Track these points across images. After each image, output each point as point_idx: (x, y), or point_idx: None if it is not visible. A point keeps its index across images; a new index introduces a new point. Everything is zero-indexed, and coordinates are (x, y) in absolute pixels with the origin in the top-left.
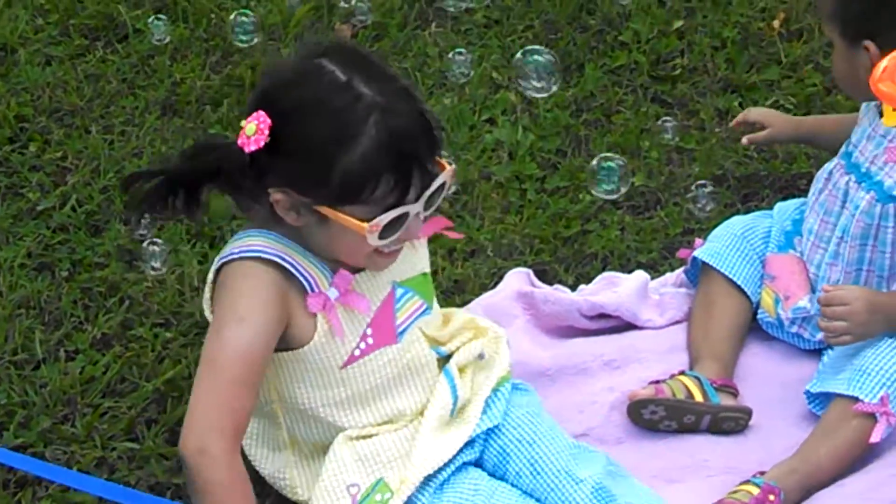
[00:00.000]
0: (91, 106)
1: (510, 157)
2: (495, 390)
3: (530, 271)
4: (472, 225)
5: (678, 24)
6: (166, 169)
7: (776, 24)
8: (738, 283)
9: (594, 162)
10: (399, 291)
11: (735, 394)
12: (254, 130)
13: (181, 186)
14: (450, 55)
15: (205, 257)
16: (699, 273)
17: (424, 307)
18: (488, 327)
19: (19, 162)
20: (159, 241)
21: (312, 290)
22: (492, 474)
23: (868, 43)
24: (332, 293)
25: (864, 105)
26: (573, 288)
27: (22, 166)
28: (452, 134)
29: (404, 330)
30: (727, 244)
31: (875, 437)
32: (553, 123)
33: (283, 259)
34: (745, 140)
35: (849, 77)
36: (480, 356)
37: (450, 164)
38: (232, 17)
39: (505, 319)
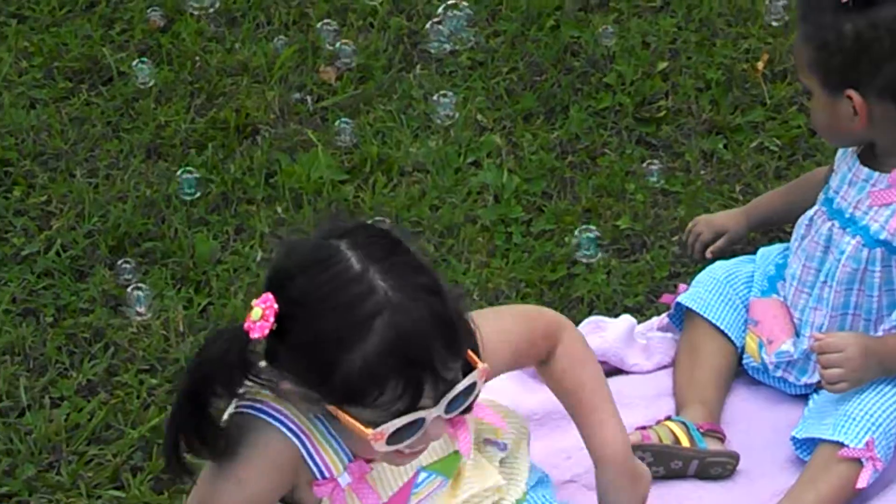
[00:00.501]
0: (75, 149)
1: (496, 199)
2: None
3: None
4: (458, 269)
5: (662, 65)
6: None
7: (760, 65)
8: (722, 328)
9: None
10: (422, 476)
11: (722, 438)
12: (259, 315)
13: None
14: (434, 97)
15: (190, 302)
16: (683, 318)
17: (444, 483)
18: (517, 420)
19: (3, 206)
20: (144, 286)
21: (323, 476)
22: None
23: (851, 92)
24: (344, 480)
25: (840, 151)
26: None
27: (6, 210)
28: (437, 177)
29: None
30: (710, 289)
31: (861, 483)
32: (538, 166)
33: (301, 441)
34: (708, 254)
35: (829, 125)
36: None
37: (481, 362)
38: (178, 172)
39: None
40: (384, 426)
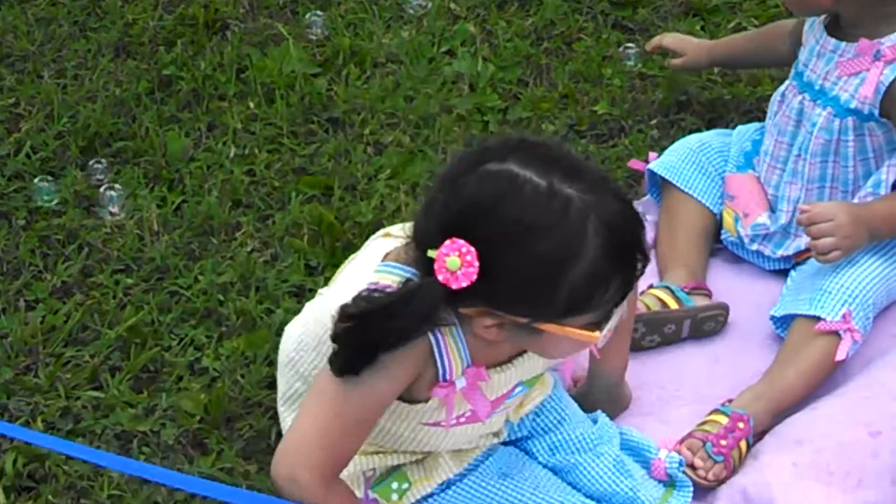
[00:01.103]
0: (42, 50)
1: (471, 88)
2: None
3: None
4: (434, 159)
5: None
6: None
7: None
8: (695, 195)
9: None
10: (518, 388)
11: (709, 294)
12: (458, 265)
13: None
14: None
15: (163, 200)
16: (659, 189)
17: (524, 391)
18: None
19: None
20: (117, 185)
21: (445, 378)
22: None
23: None
24: (461, 382)
25: (807, 23)
26: None
27: None
28: (411, 67)
29: (496, 412)
30: (683, 158)
31: (840, 355)
32: (513, 53)
33: (436, 337)
34: (666, 63)
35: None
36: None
37: None
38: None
39: None
40: (610, 324)
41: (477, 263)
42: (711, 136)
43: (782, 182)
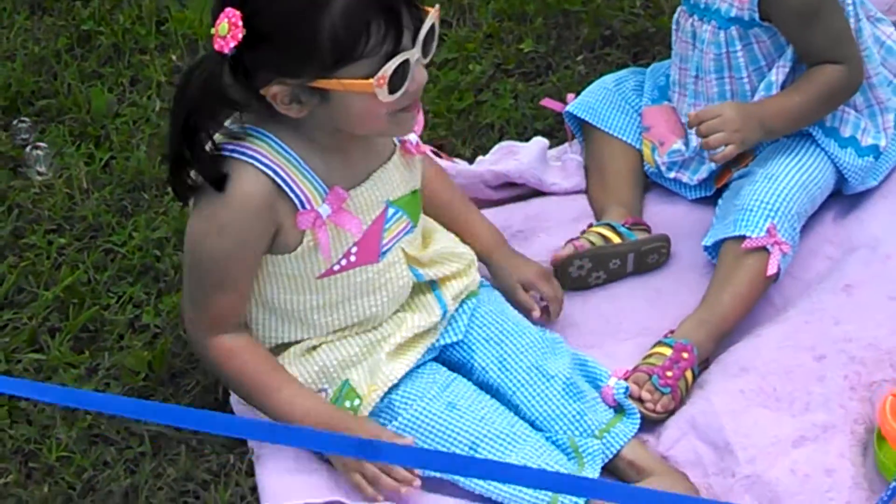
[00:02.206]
0: None
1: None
2: (462, 302)
3: (428, 147)
4: None
5: None
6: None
7: None
8: (616, 134)
9: None
10: (390, 211)
11: (648, 229)
12: (227, 28)
13: (189, 139)
14: None
15: (91, 157)
16: (580, 130)
17: (410, 226)
18: (461, 253)
19: None
20: (43, 144)
21: (304, 207)
22: (455, 368)
23: None
24: (324, 210)
25: None
26: (471, 160)
27: None
28: None
29: (387, 250)
30: (600, 98)
31: (772, 269)
32: None
33: (277, 174)
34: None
35: None
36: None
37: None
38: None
39: None
40: (384, 68)
41: (241, 24)
42: (627, 74)
43: (689, 106)
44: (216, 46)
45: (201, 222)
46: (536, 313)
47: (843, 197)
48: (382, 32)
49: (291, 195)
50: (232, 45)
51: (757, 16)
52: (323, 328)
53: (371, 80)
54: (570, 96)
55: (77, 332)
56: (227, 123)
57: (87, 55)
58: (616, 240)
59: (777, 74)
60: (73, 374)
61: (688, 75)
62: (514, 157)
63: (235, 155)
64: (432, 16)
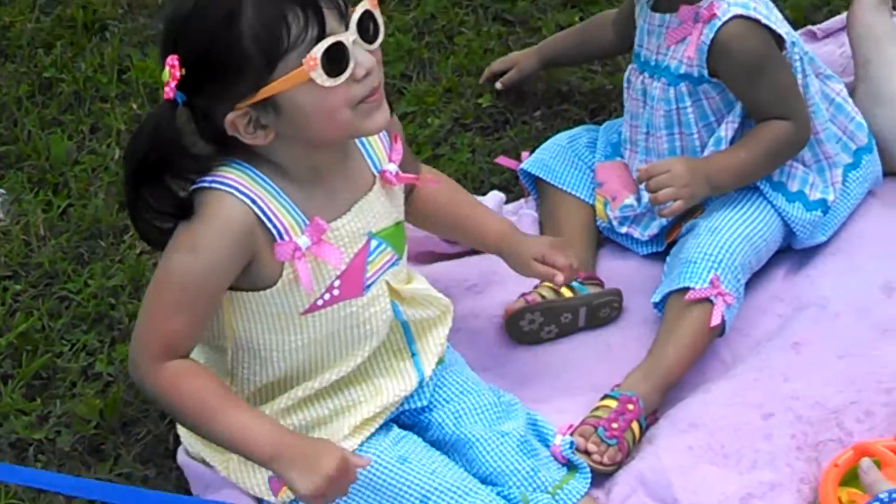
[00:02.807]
0: None
1: None
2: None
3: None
4: None
5: None
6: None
7: None
8: (570, 190)
9: None
10: (374, 243)
11: (601, 284)
12: (167, 74)
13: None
14: None
15: (49, 205)
16: (535, 187)
17: (395, 259)
18: (439, 298)
19: None
20: (1, 190)
21: (282, 238)
22: (409, 427)
23: None
24: (304, 241)
25: (637, 7)
26: None
27: None
28: None
29: (372, 283)
30: (554, 155)
31: (715, 320)
32: (396, 48)
33: (255, 202)
34: (498, 85)
35: None
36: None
37: None
38: None
39: None
40: (311, 51)
41: (178, 64)
42: (580, 132)
43: (640, 162)
44: (165, 96)
45: (176, 242)
46: (559, 278)
47: (793, 254)
48: (302, 20)
49: (270, 225)
50: (173, 85)
51: (706, 72)
52: (305, 368)
53: (303, 66)
54: (524, 154)
55: (29, 380)
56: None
57: (48, 102)
58: (568, 294)
59: (726, 130)
60: (25, 420)
61: (639, 132)
62: None
63: (215, 185)
64: (365, 3)
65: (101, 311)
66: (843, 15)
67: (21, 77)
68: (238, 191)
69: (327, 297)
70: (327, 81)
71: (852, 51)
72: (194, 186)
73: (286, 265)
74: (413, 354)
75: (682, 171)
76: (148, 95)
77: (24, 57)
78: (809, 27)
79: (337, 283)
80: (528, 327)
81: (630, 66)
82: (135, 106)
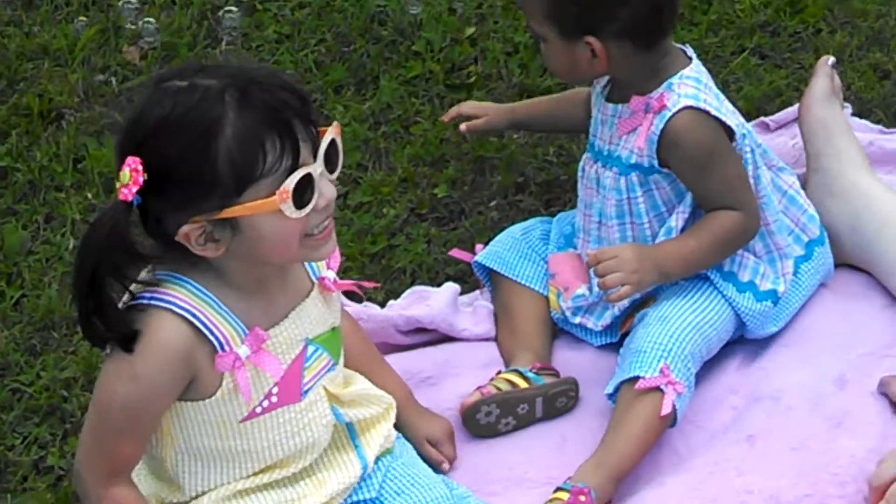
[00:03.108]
0: None
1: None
2: (377, 459)
3: (342, 296)
4: None
5: (470, 31)
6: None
7: None
8: (523, 282)
9: None
10: (310, 349)
11: (556, 374)
12: (128, 176)
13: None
14: None
15: (2, 295)
16: (489, 279)
17: (331, 364)
18: (380, 396)
19: None
20: None
21: (223, 349)
22: None
23: (590, 38)
24: (244, 351)
25: (593, 95)
26: (382, 304)
27: None
28: None
29: (309, 388)
30: (508, 247)
31: (666, 409)
32: (352, 138)
33: (195, 316)
34: (462, 127)
35: (569, 69)
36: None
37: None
38: None
39: None
40: (284, 183)
41: (142, 168)
42: (534, 223)
43: (589, 250)
44: (120, 196)
45: (116, 366)
46: (446, 466)
47: (748, 345)
48: (279, 149)
49: (211, 337)
50: (135, 190)
51: (656, 163)
52: (248, 470)
53: (274, 197)
54: (478, 246)
55: None
56: (142, 274)
57: (3, 191)
58: (523, 385)
59: (677, 220)
60: None
61: (591, 221)
62: (426, 302)
63: (153, 303)
64: (332, 131)
65: (53, 404)
66: (796, 107)
67: None
68: (176, 306)
69: (266, 403)
70: (294, 213)
71: (804, 143)
72: (133, 302)
73: (225, 377)
74: (356, 447)
75: (631, 257)
76: (103, 185)
77: None
78: (762, 118)
79: (275, 389)
80: (484, 420)
81: (585, 156)
82: (90, 195)
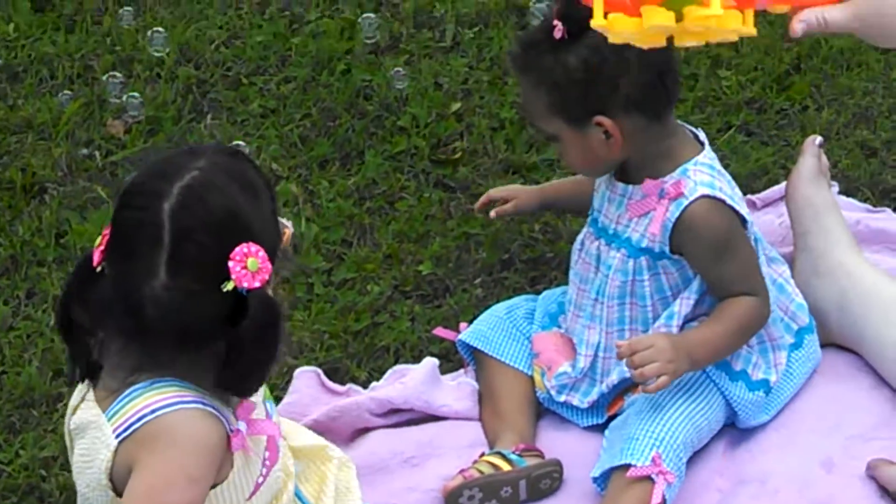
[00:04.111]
0: None
1: (295, 250)
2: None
3: (320, 371)
4: None
5: (456, 106)
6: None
7: None
8: (508, 362)
9: None
10: (268, 406)
11: (541, 455)
12: (99, 241)
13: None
14: None
15: None
16: (473, 358)
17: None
18: (333, 456)
19: None
20: None
21: (231, 430)
22: None
23: (599, 118)
24: (242, 426)
25: None
26: (366, 384)
27: None
28: None
29: (277, 444)
30: (492, 326)
31: (656, 499)
32: (336, 213)
33: (206, 405)
34: (493, 213)
35: (586, 159)
36: None
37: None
38: None
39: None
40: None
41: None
42: (519, 302)
43: (583, 327)
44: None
45: (165, 477)
46: None
47: (734, 428)
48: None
49: (224, 421)
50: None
51: (667, 249)
52: None
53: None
54: (462, 325)
55: None
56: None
57: None
58: (506, 468)
59: (681, 306)
60: None
61: (586, 296)
62: (401, 379)
63: (169, 409)
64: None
65: (31, 483)
66: (782, 185)
67: None
68: (193, 402)
69: (263, 471)
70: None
71: (791, 221)
72: (146, 419)
73: (236, 455)
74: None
75: (666, 346)
76: None
77: None
78: (749, 196)
79: (266, 454)
80: None
81: (585, 230)
82: (72, 271)
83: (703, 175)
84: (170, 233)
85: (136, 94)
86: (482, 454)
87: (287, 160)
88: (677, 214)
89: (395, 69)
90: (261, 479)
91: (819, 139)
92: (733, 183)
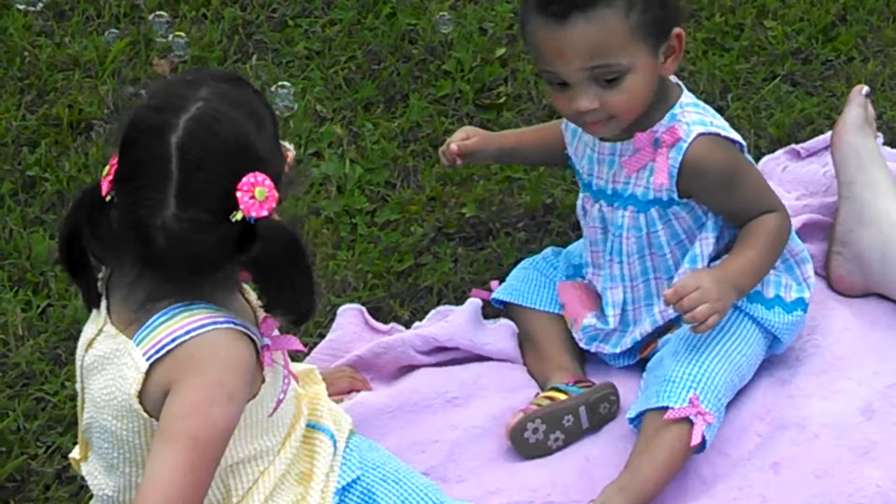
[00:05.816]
0: None
1: (339, 190)
2: (347, 442)
3: (363, 308)
4: None
5: (501, 51)
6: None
7: None
8: (540, 308)
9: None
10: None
11: (592, 385)
12: (106, 171)
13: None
14: (272, 88)
15: (28, 304)
16: (508, 313)
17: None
18: (321, 379)
19: None
20: None
21: (262, 346)
22: None
23: (675, 30)
24: (267, 342)
25: (569, 134)
26: (409, 324)
27: None
28: None
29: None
30: (522, 280)
31: (696, 439)
32: (381, 155)
33: (235, 324)
34: (453, 147)
35: (651, 89)
36: None
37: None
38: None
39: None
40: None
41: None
42: (548, 253)
43: (605, 288)
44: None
45: (206, 394)
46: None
47: (775, 373)
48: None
49: (254, 338)
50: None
51: (675, 195)
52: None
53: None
54: (493, 283)
55: (2, 482)
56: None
57: (31, 201)
58: (563, 398)
59: (701, 247)
60: None
61: (601, 257)
62: (444, 319)
63: (203, 329)
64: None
65: (77, 414)
66: (827, 135)
67: (4, 175)
68: (224, 322)
69: (283, 386)
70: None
71: (836, 171)
72: (180, 340)
73: (266, 372)
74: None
75: (712, 285)
76: None
77: (7, 155)
78: (793, 146)
79: (284, 371)
80: (533, 438)
81: (582, 195)
82: (72, 206)
83: (692, 115)
84: (178, 166)
85: (182, 34)
86: (537, 394)
87: (332, 102)
88: (680, 159)
89: (441, 14)
90: (282, 395)
91: (866, 89)
92: (717, 114)
